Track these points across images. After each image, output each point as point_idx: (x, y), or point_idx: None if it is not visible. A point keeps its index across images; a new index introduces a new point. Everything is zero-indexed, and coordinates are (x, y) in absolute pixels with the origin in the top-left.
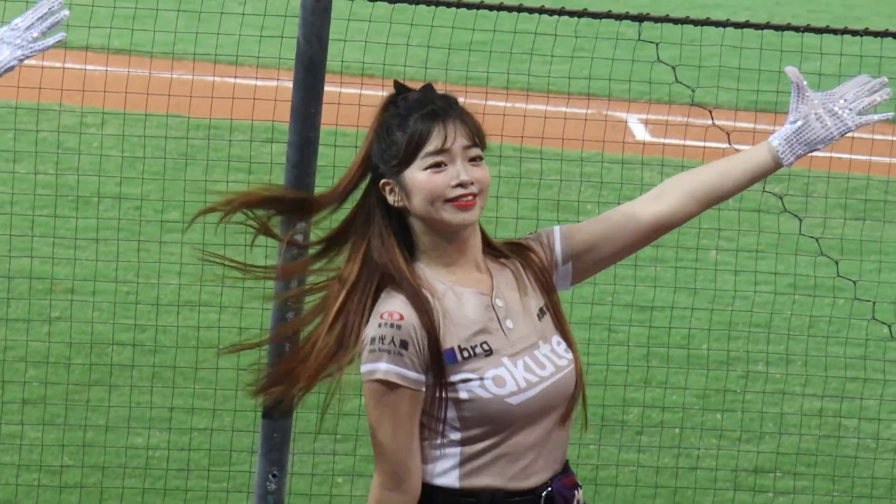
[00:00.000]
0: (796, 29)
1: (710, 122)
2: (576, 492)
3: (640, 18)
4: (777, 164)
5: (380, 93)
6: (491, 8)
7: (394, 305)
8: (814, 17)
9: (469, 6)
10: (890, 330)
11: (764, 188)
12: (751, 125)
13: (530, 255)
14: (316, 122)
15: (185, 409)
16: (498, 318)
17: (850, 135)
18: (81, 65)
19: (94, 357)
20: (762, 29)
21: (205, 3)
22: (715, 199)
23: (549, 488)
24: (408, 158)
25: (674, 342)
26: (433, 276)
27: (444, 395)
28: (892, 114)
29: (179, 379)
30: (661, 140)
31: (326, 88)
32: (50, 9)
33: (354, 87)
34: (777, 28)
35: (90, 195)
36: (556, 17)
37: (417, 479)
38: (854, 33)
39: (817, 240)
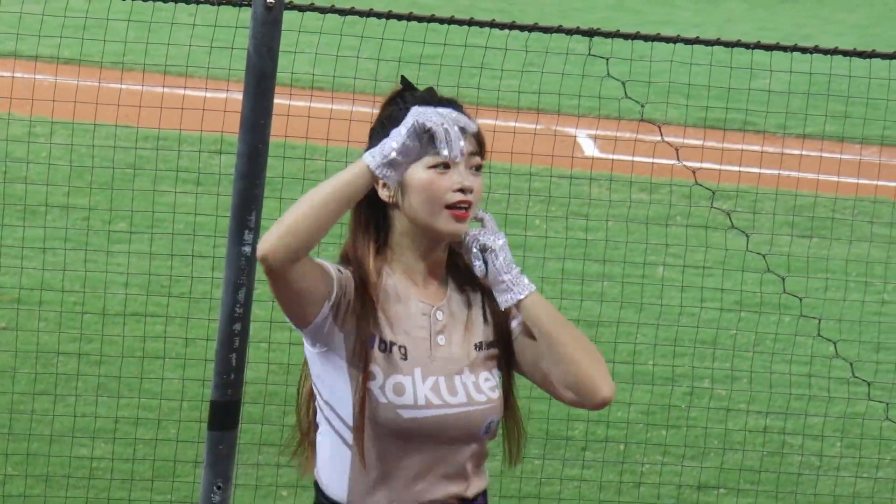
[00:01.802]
0: (746, 46)
1: (658, 137)
2: None
3: (590, 34)
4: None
5: (329, 105)
6: (441, 21)
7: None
8: (763, 35)
9: (420, 19)
10: (835, 347)
11: (712, 204)
12: (699, 141)
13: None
14: (265, 134)
15: (129, 420)
16: (430, 330)
17: (797, 152)
18: (30, 74)
19: (40, 367)
20: (712, 45)
21: (155, 13)
22: (557, 363)
23: None
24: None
25: (619, 358)
26: (389, 274)
27: (354, 380)
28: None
29: (125, 390)
30: (610, 156)
31: (276, 100)
32: None
33: (304, 100)
34: (727, 45)
35: (38, 205)
36: (506, 31)
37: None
38: (804, 51)
39: (764, 257)
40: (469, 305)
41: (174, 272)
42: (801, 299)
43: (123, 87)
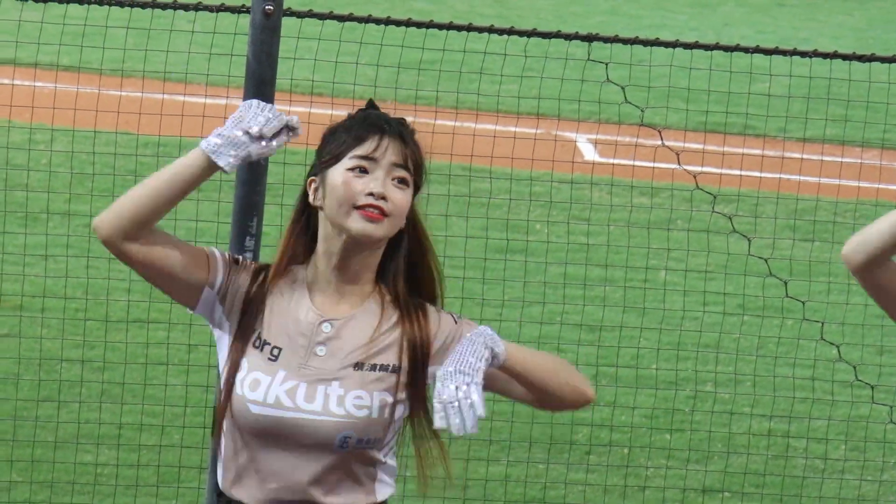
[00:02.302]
0: (745, 50)
1: (659, 142)
2: None
3: (589, 38)
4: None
5: (329, 111)
6: (440, 27)
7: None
8: (762, 39)
9: (419, 25)
10: (838, 351)
11: (713, 208)
12: (700, 146)
13: (425, 323)
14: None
15: (133, 426)
16: (311, 339)
17: (798, 156)
18: (30, 81)
19: (43, 374)
20: (711, 50)
21: (154, 20)
22: (539, 394)
23: None
24: (337, 157)
25: (622, 362)
26: (300, 279)
27: (228, 362)
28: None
29: (128, 396)
30: (611, 160)
31: (276, 106)
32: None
33: (303, 106)
34: (726, 49)
35: (39, 212)
36: (505, 36)
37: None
38: (803, 54)
39: (766, 260)
40: (377, 327)
41: None
42: (803, 303)
43: (123, 93)
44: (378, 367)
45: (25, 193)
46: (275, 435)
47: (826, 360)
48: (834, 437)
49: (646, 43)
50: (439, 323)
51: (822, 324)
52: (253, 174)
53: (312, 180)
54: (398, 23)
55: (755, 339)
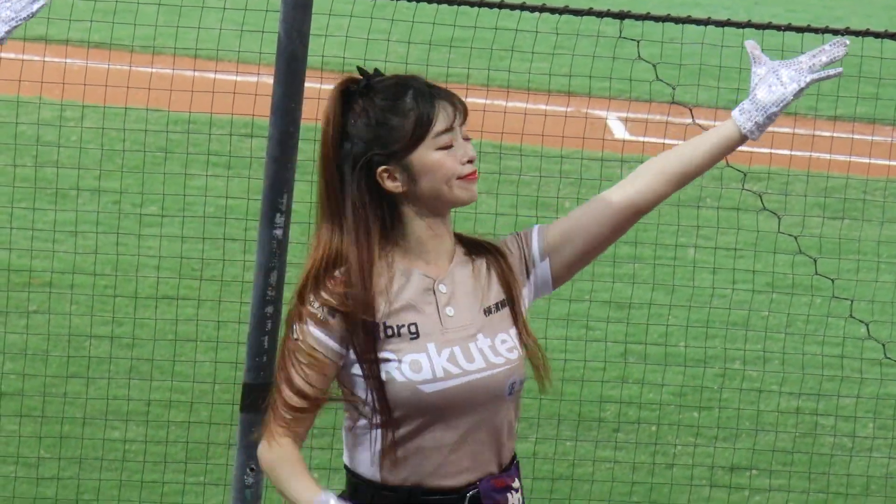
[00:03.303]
0: (777, 28)
1: (690, 120)
2: (508, 495)
3: (621, 16)
4: (742, 135)
5: None
6: (472, 4)
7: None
8: (793, 17)
9: (450, 2)
10: (867, 329)
11: (743, 186)
12: None
13: (499, 253)
14: (296, 117)
15: (162, 402)
16: (437, 303)
17: (828, 134)
18: (62, 58)
19: (72, 350)
20: (743, 28)
21: None
22: (686, 175)
23: (476, 489)
24: (416, 141)
25: (651, 340)
26: (399, 261)
27: (365, 372)
28: (841, 69)
29: (157, 372)
30: (641, 138)
31: (306, 84)
32: None
33: (334, 83)
34: (758, 27)
35: (69, 188)
36: (537, 14)
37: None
38: (835, 32)
39: (796, 238)
40: (473, 271)
41: (205, 255)
42: (832, 281)
43: (154, 70)
44: (497, 305)
45: (56, 170)
46: (451, 406)
47: (855, 337)
48: (862, 415)
49: (677, 20)
50: (509, 248)
51: (851, 302)
52: (284, 151)
53: (385, 170)
54: (430, 0)
55: (784, 316)
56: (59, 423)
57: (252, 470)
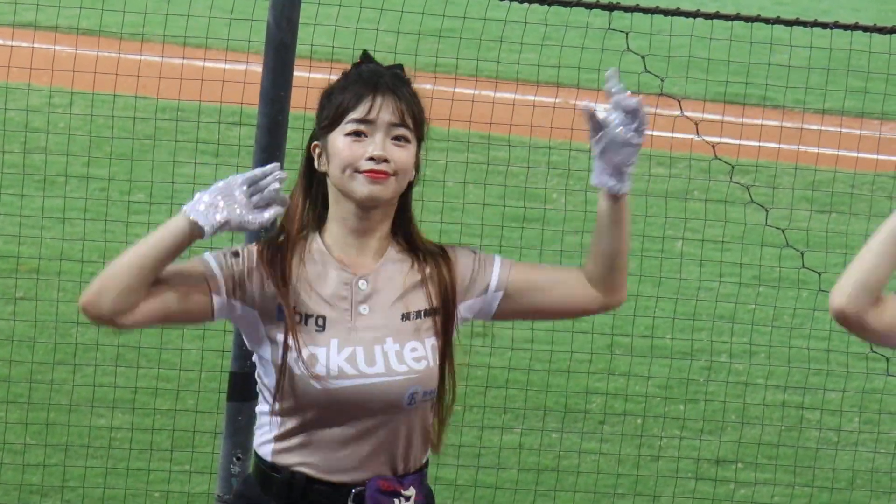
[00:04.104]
0: (766, 20)
1: (678, 112)
2: (395, 500)
3: (610, 7)
4: (612, 199)
5: None
6: None
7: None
8: (781, 10)
9: None
10: None
11: (731, 179)
12: (719, 116)
13: (448, 262)
14: (285, 106)
15: (148, 390)
16: (352, 299)
17: (817, 128)
18: (50, 45)
19: (59, 337)
20: (732, 20)
21: None
22: (603, 254)
23: (362, 488)
24: (334, 122)
25: (637, 332)
26: (318, 246)
27: (272, 355)
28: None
29: (143, 360)
30: None
31: (295, 73)
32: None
33: (323, 72)
34: (746, 20)
35: (56, 175)
36: (525, 4)
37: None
38: (824, 26)
39: (783, 231)
40: (404, 274)
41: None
42: (819, 274)
43: (143, 58)
44: (421, 313)
45: (44, 156)
46: (342, 405)
47: (841, 332)
48: (848, 410)
49: (666, 13)
50: (458, 259)
51: None
52: (272, 139)
53: (315, 145)
54: None
55: (770, 310)
56: (45, 410)
57: (238, 459)
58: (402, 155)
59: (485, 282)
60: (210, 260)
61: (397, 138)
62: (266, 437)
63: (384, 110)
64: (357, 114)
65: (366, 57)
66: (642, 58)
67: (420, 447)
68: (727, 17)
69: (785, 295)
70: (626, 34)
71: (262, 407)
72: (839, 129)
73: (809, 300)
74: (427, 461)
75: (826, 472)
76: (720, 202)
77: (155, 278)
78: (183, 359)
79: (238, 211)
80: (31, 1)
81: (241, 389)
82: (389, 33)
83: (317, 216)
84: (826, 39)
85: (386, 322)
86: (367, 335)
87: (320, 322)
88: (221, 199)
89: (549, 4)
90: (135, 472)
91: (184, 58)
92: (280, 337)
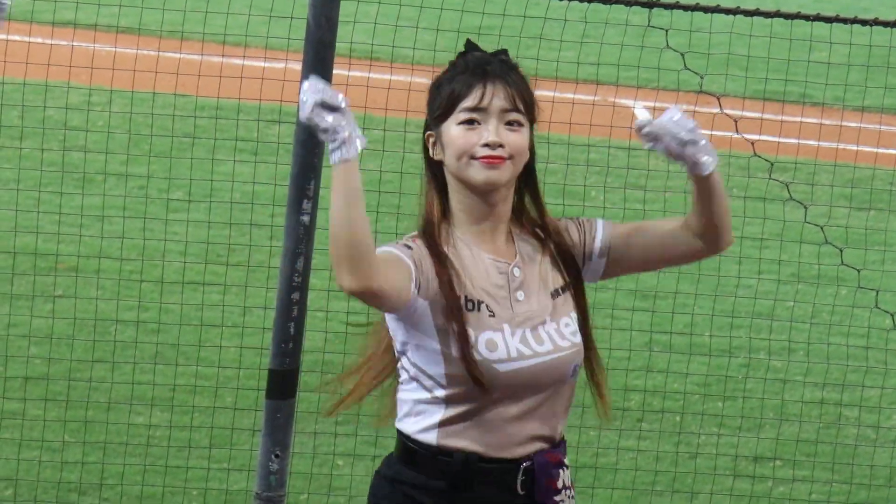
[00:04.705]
0: (806, 18)
1: (717, 109)
2: (560, 470)
3: (649, 5)
4: (700, 178)
5: (387, 76)
6: None
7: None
8: (821, 7)
9: None
10: (893, 320)
11: (770, 176)
12: (758, 114)
13: (563, 235)
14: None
15: (187, 387)
16: (509, 287)
17: (856, 125)
18: (90, 44)
19: (97, 335)
20: (772, 17)
21: None
22: (709, 220)
23: (531, 461)
24: (447, 112)
25: (676, 329)
26: (458, 236)
27: (446, 346)
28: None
29: (182, 358)
30: None
31: (334, 71)
32: None
33: (363, 70)
34: (787, 17)
35: (95, 173)
36: (565, 2)
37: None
38: (864, 23)
39: (822, 229)
40: (538, 255)
41: (231, 241)
42: (858, 271)
43: (182, 56)
44: (560, 289)
45: (83, 155)
46: (522, 385)
47: (880, 328)
48: (887, 406)
49: (706, 10)
50: (567, 230)
51: (877, 292)
52: (311, 136)
53: (430, 135)
54: None
55: (809, 307)
56: (83, 408)
57: (277, 456)
58: (517, 138)
59: (592, 250)
60: (394, 251)
61: (510, 123)
62: (427, 422)
63: (496, 97)
64: (469, 102)
65: (470, 45)
66: (682, 55)
67: (565, 417)
68: (767, 14)
69: (824, 292)
70: (666, 31)
71: (416, 395)
72: (878, 127)
73: (848, 297)
74: None
75: (864, 470)
76: (759, 199)
77: (368, 226)
78: (222, 356)
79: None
80: (71, 0)
81: (280, 387)
82: (429, 31)
83: (444, 205)
84: (866, 36)
85: (540, 303)
86: (529, 318)
87: (491, 309)
88: (334, 119)
89: (589, 2)
90: (173, 470)
91: (223, 56)
92: (454, 326)
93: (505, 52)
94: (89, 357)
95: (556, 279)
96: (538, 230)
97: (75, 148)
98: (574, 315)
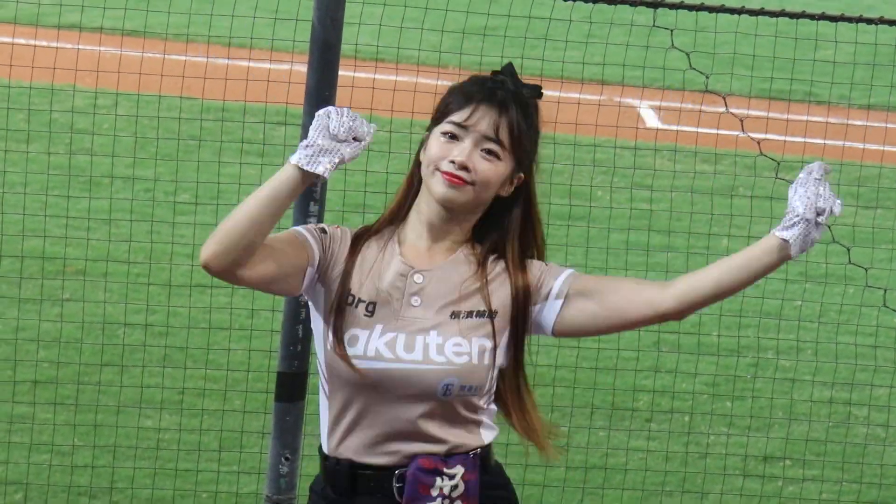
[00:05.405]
0: (811, 17)
1: (723, 109)
2: (437, 478)
3: (654, 5)
4: (781, 257)
5: (393, 77)
6: None
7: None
8: (826, 6)
9: None
10: None
11: (776, 175)
12: (764, 113)
13: (519, 273)
14: (331, 105)
15: (195, 391)
16: (405, 290)
17: (862, 123)
18: (95, 46)
19: (106, 338)
20: (777, 16)
21: None
22: (716, 298)
23: (405, 469)
24: (438, 118)
25: (684, 329)
26: (396, 234)
27: (324, 338)
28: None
29: (190, 361)
30: (674, 127)
31: (340, 72)
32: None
33: (368, 72)
34: (792, 16)
35: (102, 176)
36: (570, 2)
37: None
38: (869, 21)
39: (829, 227)
40: (465, 277)
41: None
42: (866, 270)
43: (188, 58)
44: (474, 313)
45: (89, 158)
46: (378, 387)
47: (888, 327)
48: None
49: (711, 9)
50: (529, 268)
51: (885, 291)
52: None
53: (427, 135)
54: None
55: (817, 306)
56: (92, 412)
57: (287, 459)
58: (487, 168)
59: (549, 289)
60: (305, 234)
61: (487, 151)
62: (325, 427)
63: (481, 121)
64: (457, 117)
65: (506, 68)
66: (687, 55)
67: (469, 434)
68: (772, 14)
69: (831, 291)
70: (671, 31)
71: (320, 392)
72: (885, 125)
73: (856, 296)
74: (489, 446)
75: (874, 469)
76: (766, 198)
77: (271, 229)
78: (230, 359)
79: (342, 150)
80: (76, 2)
81: (289, 390)
82: (434, 32)
83: (407, 203)
84: (871, 35)
85: (434, 316)
86: (412, 324)
87: (370, 308)
88: (321, 141)
89: (594, 2)
90: (183, 473)
91: (229, 58)
92: (330, 317)
93: (534, 87)
94: (98, 360)
95: (472, 303)
96: (487, 257)
97: (81, 151)
98: (481, 342)
